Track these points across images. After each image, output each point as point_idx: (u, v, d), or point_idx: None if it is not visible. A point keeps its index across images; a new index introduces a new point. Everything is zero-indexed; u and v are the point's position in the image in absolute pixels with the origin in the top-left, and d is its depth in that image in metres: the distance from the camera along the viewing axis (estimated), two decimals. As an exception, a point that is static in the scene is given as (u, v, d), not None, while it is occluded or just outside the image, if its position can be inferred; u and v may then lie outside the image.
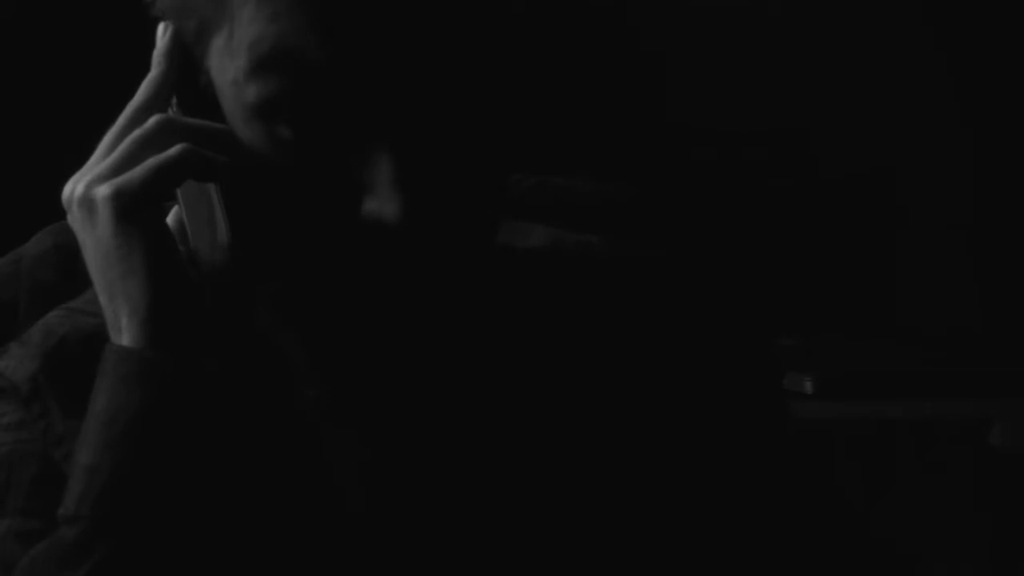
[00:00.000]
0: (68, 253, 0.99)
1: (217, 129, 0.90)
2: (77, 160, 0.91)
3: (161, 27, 0.92)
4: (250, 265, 0.91)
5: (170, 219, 0.94)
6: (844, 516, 1.03)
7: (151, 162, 0.88)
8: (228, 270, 0.91)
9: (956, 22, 2.38)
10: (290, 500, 0.93)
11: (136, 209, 0.87)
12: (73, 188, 0.89)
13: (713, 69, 2.40)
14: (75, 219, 0.90)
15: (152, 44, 0.93)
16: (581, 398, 0.97)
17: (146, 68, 0.93)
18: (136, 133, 0.89)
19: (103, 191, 0.88)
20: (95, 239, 0.89)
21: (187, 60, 0.91)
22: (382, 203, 0.86)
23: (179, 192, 0.92)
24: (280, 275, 0.92)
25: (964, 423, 2.22)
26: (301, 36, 0.84)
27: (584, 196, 1.12)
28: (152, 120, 0.89)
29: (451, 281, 0.90)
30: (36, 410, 0.94)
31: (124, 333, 0.89)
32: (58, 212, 0.92)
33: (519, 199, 1.07)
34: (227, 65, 0.88)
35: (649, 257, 1.02)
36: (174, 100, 0.92)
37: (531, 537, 0.94)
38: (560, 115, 2.24)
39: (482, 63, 0.88)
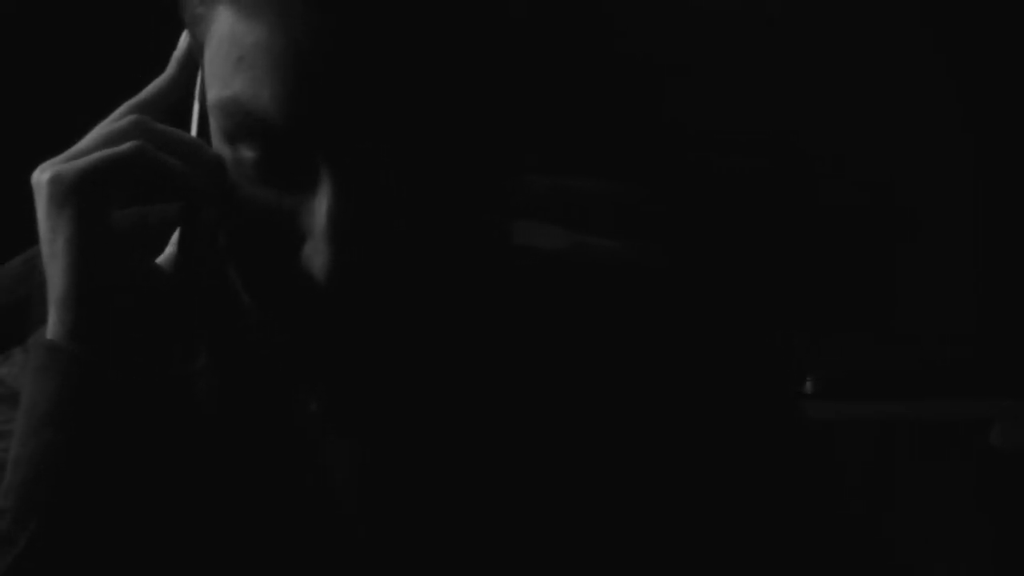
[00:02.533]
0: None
1: (188, 141, 0.89)
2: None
3: (185, 33, 0.92)
4: (193, 281, 0.91)
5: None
6: (848, 519, 1.03)
7: (99, 153, 0.87)
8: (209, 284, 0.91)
9: (956, 25, 2.38)
10: (287, 510, 0.93)
11: (69, 194, 0.87)
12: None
13: (714, 73, 2.40)
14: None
15: (156, 45, 0.93)
16: (588, 404, 0.96)
17: (154, 68, 0.93)
18: (104, 128, 0.89)
19: (45, 175, 0.88)
20: (39, 222, 0.89)
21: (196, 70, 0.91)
22: (313, 254, 0.85)
23: None
24: (221, 297, 0.92)
25: (964, 423, 2.22)
26: (260, 86, 0.83)
27: (596, 198, 1.12)
28: (126, 119, 0.89)
29: (456, 288, 0.90)
30: None
31: (49, 321, 0.89)
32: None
33: (534, 200, 1.07)
34: (206, 86, 0.88)
35: (663, 260, 1.02)
36: (196, 108, 0.92)
37: (533, 547, 0.94)
38: (565, 117, 2.24)
39: (463, 109, 0.85)
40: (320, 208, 0.84)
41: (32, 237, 1.04)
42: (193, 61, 0.91)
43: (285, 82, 0.83)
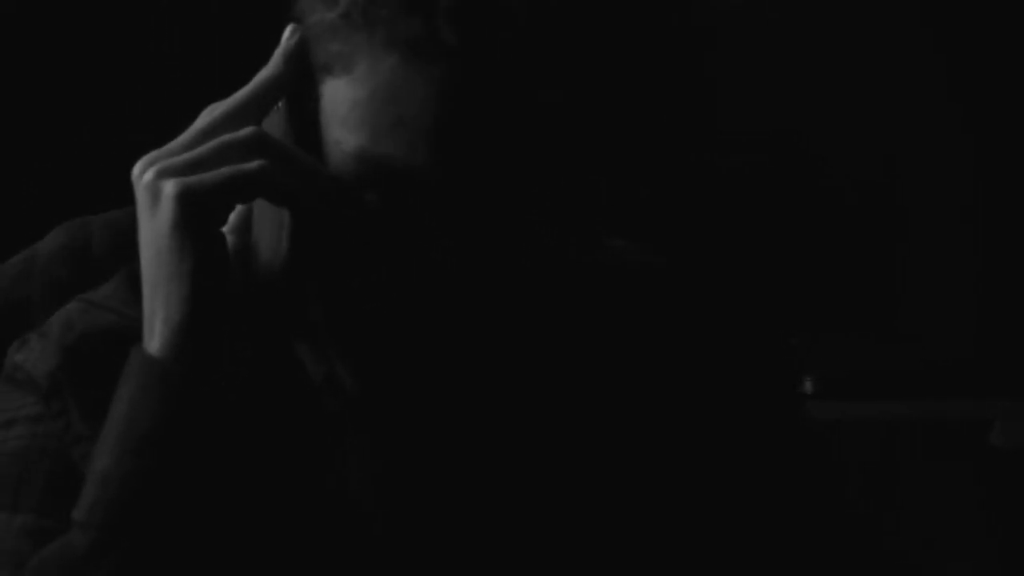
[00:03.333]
0: (80, 250, 0.99)
1: (306, 163, 0.89)
2: (84, 158, 0.90)
3: (289, 29, 0.90)
4: (297, 285, 0.91)
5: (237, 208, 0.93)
6: (851, 518, 1.03)
7: (227, 170, 0.86)
8: (275, 280, 0.91)
9: (956, 25, 2.38)
10: (306, 508, 0.93)
11: (199, 213, 0.86)
12: (143, 170, 0.88)
13: (716, 73, 2.40)
14: (138, 202, 0.88)
15: (168, 47, 0.92)
16: (598, 404, 0.96)
17: (161, 71, 0.92)
18: (226, 138, 0.88)
19: (172, 186, 0.86)
20: (153, 231, 0.87)
21: (306, 71, 0.90)
22: (427, 293, 0.88)
23: None
24: (323, 301, 0.92)
25: (965, 423, 2.22)
26: (416, 149, 0.86)
27: (599, 196, 1.12)
28: (246, 131, 0.88)
29: (475, 291, 0.91)
30: (56, 407, 0.93)
31: (155, 337, 0.88)
32: (71, 210, 0.91)
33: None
34: (336, 117, 0.88)
35: (663, 260, 1.02)
36: (284, 118, 0.91)
37: (547, 544, 0.94)
38: (570, 119, 2.24)
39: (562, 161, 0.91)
40: (444, 259, 0.87)
41: (30, 236, 1.05)
42: (304, 63, 0.90)
43: (443, 148, 0.85)
